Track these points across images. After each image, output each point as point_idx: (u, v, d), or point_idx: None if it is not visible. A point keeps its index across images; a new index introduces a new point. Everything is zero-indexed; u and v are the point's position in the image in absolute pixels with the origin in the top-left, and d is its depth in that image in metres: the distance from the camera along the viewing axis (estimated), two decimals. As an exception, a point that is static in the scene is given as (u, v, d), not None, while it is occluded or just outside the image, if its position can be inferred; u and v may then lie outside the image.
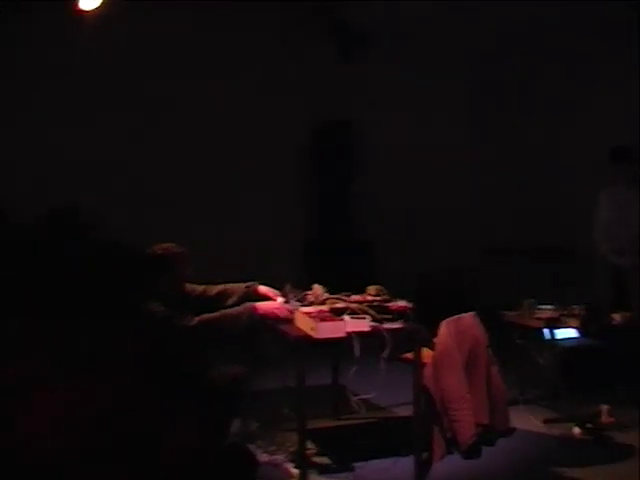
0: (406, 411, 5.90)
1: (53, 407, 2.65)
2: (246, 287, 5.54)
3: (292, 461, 5.53)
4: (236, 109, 10.08)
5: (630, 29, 8.29)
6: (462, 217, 11.36)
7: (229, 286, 5.59)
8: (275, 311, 5.29)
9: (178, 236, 5.38)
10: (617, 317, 6.64)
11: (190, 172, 9.86)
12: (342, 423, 6.58)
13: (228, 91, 10.00)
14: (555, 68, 10.57)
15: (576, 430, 6.20)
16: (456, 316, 5.45)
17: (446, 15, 9.75)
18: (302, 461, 5.15)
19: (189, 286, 5.47)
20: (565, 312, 6.71)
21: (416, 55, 10.88)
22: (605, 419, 6.26)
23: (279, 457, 5.65)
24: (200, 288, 5.53)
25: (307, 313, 5.19)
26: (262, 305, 5.26)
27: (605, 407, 6.30)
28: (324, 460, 5.74)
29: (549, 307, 6.82)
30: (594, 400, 6.48)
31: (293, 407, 5.26)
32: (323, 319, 4.98)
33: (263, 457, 5.62)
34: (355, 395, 5.32)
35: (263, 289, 5.58)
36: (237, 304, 5.36)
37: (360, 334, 4.96)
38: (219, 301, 5.47)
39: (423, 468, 5.25)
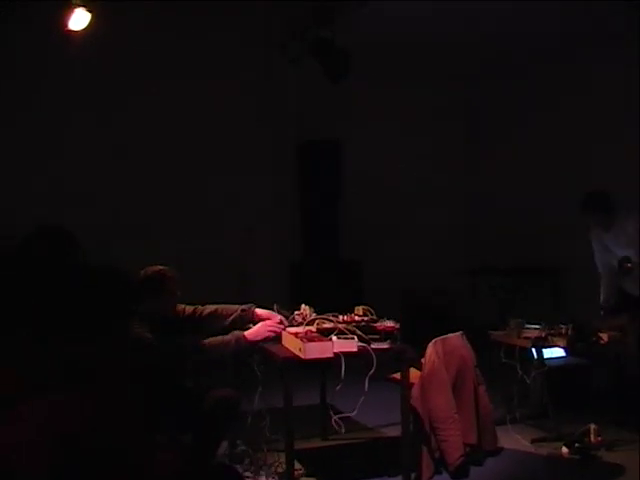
0: (394, 431, 5.91)
1: (25, 427, 2.64)
2: (242, 310, 5.52)
3: (280, 482, 5.53)
4: (221, 126, 10.08)
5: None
6: (449, 237, 11.42)
7: (223, 307, 5.58)
8: (265, 334, 5.28)
9: (159, 257, 5.38)
10: (604, 336, 6.64)
11: (172, 189, 9.84)
12: (330, 443, 6.57)
13: (214, 107, 10.02)
14: (547, 88, 10.65)
15: (564, 449, 6.19)
16: (443, 336, 5.46)
17: (433, 34, 9.78)
18: (290, 482, 5.13)
19: (179, 306, 5.47)
20: (552, 331, 6.70)
21: (403, 74, 10.94)
22: (593, 438, 6.25)
23: (267, 478, 5.63)
24: (190, 308, 5.52)
25: (295, 333, 5.19)
26: (251, 332, 5.24)
27: (593, 426, 6.28)
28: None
29: (536, 326, 6.83)
30: (582, 419, 6.47)
31: (281, 428, 5.24)
32: (311, 339, 4.98)
33: (251, 478, 5.61)
34: (340, 414, 5.30)
35: (260, 312, 5.55)
36: (231, 327, 5.37)
37: (348, 354, 4.95)
38: (211, 322, 5.46)
39: (411, 488, 5.24)
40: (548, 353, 6.89)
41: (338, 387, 4.98)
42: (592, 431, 6.27)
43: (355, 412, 5.13)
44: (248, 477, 5.60)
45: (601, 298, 7.46)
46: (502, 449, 5.65)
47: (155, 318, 5.07)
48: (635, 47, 8.47)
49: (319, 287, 9.16)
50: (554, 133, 10.58)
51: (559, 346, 6.75)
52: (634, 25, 8.29)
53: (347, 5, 8.38)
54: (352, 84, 9.39)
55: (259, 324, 5.34)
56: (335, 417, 5.22)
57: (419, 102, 11.41)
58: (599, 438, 6.26)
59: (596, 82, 9.66)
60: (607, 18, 8.65)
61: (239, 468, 5.63)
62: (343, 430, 5.27)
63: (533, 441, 6.50)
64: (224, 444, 5.76)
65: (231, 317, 5.49)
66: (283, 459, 5.32)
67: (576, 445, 6.16)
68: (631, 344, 6.69)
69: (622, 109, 9.08)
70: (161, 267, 5.23)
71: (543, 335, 6.68)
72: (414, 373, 5.40)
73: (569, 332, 6.60)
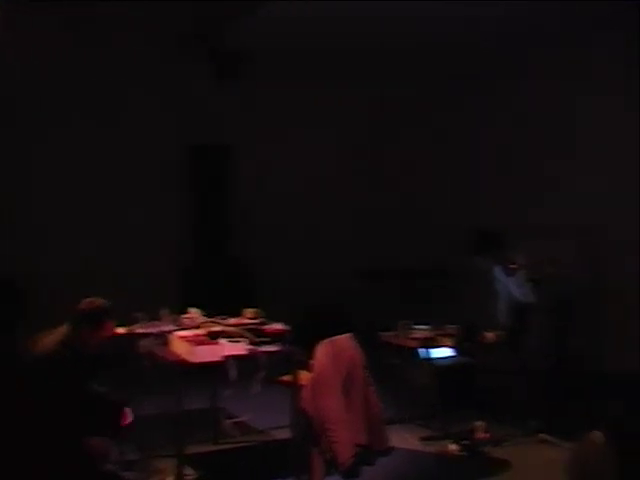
0: (285, 433, 5.91)
1: None
2: None
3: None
4: (110, 130, 9.94)
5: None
6: (342, 239, 11.46)
7: None
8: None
9: (48, 262, 5.29)
10: (490, 335, 6.79)
11: (61, 195, 9.64)
12: (221, 447, 6.52)
13: (103, 112, 9.88)
14: (442, 89, 10.82)
15: (452, 447, 6.29)
16: (333, 338, 5.49)
17: (331, 36, 9.81)
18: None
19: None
20: (440, 332, 6.84)
21: (294, 77, 10.93)
22: (480, 435, 6.39)
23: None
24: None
25: (184, 337, 5.16)
26: None
27: (480, 423, 6.42)
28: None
29: (424, 327, 6.94)
30: (469, 417, 6.60)
31: (172, 433, 5.20)
32: (200, 343, 4.96)
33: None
34: (231, 418, 5.30)
35: None
36: None
37: (237, 357, 4.95)
38: None
39: (303, 490, 5.26)
40: (436, 353, 7.01)
41: (228, 391, 4.98)
42: (479, 428, 6.41)
43: (249, 417, 5.14)
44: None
45: (499, 318, 7.58)
46: (392, 448, 5.70)
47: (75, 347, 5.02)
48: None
49: (210, 290, 9.12)
50: (451, 134, 10.79)
51: (447, 346, 6.88)
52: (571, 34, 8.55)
53: (242, 7, 8.35)
54: (248, 87, 9.41)
55: None
56: (228, 422, 5.22)
57: (317, 104, 11.41)
58: (486, 435, 6.40)
59: (501, 89, 9.89)
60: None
61: (129, 475, 5.55)
62: (238, 435, 5.27)
63: (422, 440, 6.59)
64: (114, 450, 5.68)
65: None
66: (174, 464, 5.28)
67: (464, 442, 6.28)
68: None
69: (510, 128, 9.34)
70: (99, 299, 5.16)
71: (431, 335, 6.80)
72: (304, 375, 5.42)
73: (456, 332, 6.75)
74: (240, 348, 5.03)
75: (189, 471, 5.60)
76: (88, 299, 5.11)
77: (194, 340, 5.04)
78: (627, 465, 4.29)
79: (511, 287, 7.32)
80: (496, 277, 7.37)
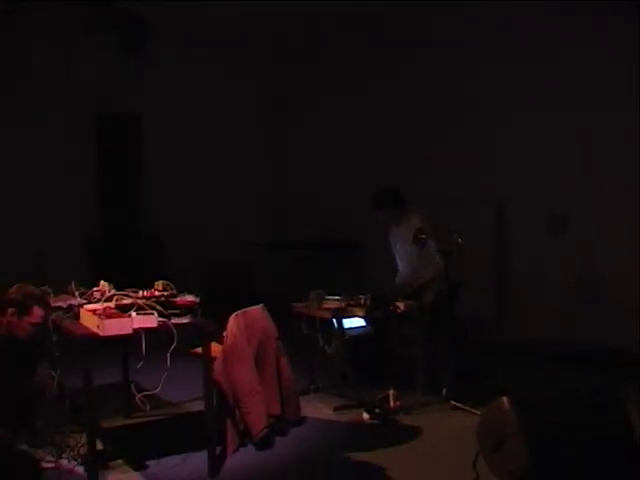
0: (198, 406, 5.89)
1: None
2: None
3: (84, 464, 5.40)
4: (14, 99, 9.75)
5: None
6: (252, 210, 11.48)
7: None
8: None
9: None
10: (401, 305, 6.86)
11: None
12: (134, 421, 6.49)
13: (7, 82, 9.68)
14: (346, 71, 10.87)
15: (365, 415, 6.38)
16: (244, 309, 5.49)
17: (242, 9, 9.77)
18: (92, 463, 5.04)
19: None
20: (352, 302, 6.88)
21: (203, 47, 10.85)
22: (392, 403, 6.47)
23: (69, 461, 5.49)
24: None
25: (93, 310, 5.09)
26: None
27: (392, 392, 6.51)
28: (117, 460, 5.63)
29: (336, 297, 6.98)
30: (381, 385, 6.68)
31: (83, 407, 5.14)
32: (109, 316, 4.89)
33: (51, 462, 5.46)
34: (142, 391, 5.26)
35: None
36: None
37: (148, 330, 4.90)
38: None
39: (217, 462, 5.26)
40: (348, 323, 7.06)
41: (139, 365, 4.93)
42: (391, 396, 6.50)
43: (159, 389, 5.10)
44: (50, 461, 5.44)
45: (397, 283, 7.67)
46: (305, 418, 5.76)
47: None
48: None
49: (120, 263, 9.04)
50: (353, 111, 10.85)
51: (359, 316, 6.94)
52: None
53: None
54: (155, 57, 9.31)
55: None
56: (139, 395, 5.18)
57: (220, 79, 11.36)
58: (398, 403, 6.49)
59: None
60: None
61: (40, 452, 5.46)
62: (148, 408, 5.23)
63: (335, 409, 6.66)
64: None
65: None
66: (86, 439, 5.21)
67: (376, 410, 6.36)
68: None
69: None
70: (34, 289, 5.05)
71: (343, 306, 6.85)
72: (216, 347, 5.41)
73: (367, 302, 6.80)
74: (150, 320, 4.98)
75: (102, 446, 5.56)
76: (16, 285, 5.02)
77: (104, 313, 4.98)
78: (532, 429, 4.41)
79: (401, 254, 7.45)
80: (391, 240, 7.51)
